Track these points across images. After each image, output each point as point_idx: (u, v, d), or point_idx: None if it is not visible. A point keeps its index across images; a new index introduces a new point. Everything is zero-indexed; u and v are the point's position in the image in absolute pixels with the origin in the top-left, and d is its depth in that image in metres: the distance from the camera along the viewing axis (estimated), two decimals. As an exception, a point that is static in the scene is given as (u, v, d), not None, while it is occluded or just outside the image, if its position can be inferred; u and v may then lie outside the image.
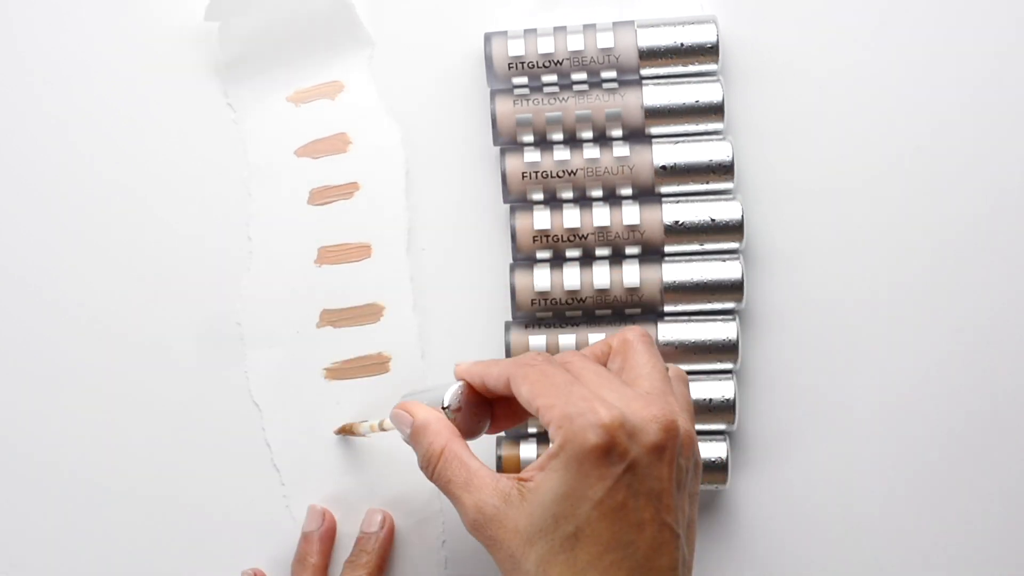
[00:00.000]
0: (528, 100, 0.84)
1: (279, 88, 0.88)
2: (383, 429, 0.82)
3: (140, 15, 0.88)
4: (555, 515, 0.67)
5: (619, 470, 0.67)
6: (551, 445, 0.68)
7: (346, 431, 0.86)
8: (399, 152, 0.87)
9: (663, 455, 0.68)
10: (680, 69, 0.84)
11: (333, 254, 0.87)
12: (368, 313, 0.87)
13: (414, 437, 0.74)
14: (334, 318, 0.87)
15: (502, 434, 0.84)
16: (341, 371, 0.87)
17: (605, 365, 0.73)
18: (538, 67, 0.84)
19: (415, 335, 0.87)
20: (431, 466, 0.72)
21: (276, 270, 0.87)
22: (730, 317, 0.83)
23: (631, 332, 0.73)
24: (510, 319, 0.85)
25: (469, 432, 0.75)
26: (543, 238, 0.84)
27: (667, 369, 0.73)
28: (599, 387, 0.69)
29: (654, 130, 0.84)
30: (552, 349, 0.84)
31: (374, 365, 0.87)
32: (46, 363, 0.88)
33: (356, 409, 0.87)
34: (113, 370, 0.87)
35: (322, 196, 0.87)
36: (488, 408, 0.76)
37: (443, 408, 0.74)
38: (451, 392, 0.74)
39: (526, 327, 0.85)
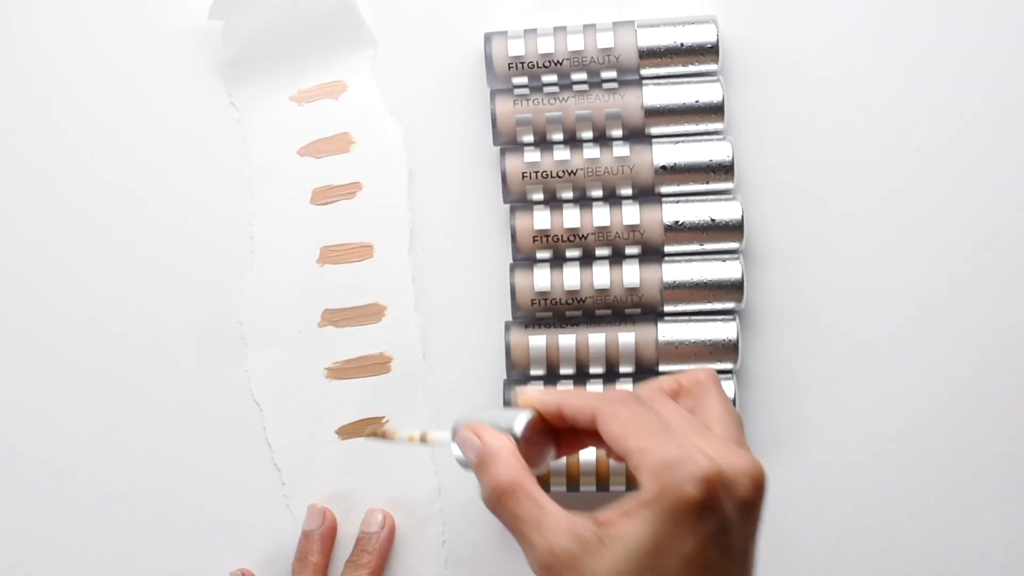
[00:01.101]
0: (528, 100, 0.84)
1: (282, 87, 0.88)
2: (424, 441, 0.74)
3: (143, 14, 0.88)
4: (640, 567, 0.62)
5: (712, 526, 0.62)
6: (643, 492, 0.62)
7: (378, 435, 0.82)
8: (401, 152, 0.87)
9: (752, 511, 0.64)
10: (680, 69, 0.84)
11: (335, 254, 0.87)
12: (370, 313, 0.87)
13: (480, 464, 0.68)
14: (336, 318, 0.87)
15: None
16: (342, 371, 0.87)
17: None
18: (538, 67, 0.84)
19: (416, 335, 0.87)
20: (498, 499, 0.66)
21: (278, 269, 0.87)
22: (730, 317, 0.83)
23: (703, 373, 0.69)
24: (510, 319, 0.85)
25: (533, 464, 0.69)
26: (543, 238, 0.84)
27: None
28: (689, 433, 0.65)
29: (654, 130, 0.84)
30: (552, 348, 0.83)
31: (375, 365, 0.87)
32: (46, 363, 0.88)
33: (357, 409, 0.87)
34: (114, 370, 0.87)
35: (324, 196, 0.87)
36: (552, 439, 0.70)
37: (513, 437, 0.68)
38: (522, 420, 0.68)
39: (526, 327, 0.84)
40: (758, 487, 0.64)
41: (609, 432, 0.65)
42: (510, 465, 0.66)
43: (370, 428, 0.84)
